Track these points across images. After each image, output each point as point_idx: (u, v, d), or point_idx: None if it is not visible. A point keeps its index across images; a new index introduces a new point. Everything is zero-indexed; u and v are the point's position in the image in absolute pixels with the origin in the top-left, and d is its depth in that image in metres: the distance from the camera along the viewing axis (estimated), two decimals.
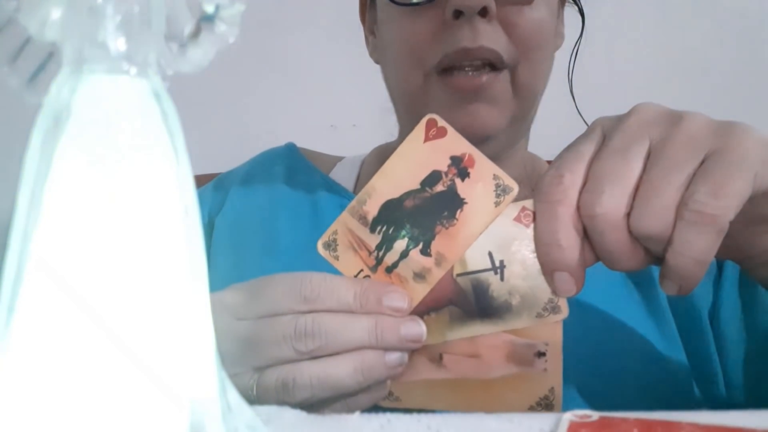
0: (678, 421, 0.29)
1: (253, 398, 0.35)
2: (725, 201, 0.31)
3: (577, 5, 0.60)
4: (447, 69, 0.52)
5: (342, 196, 0.62)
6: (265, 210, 0.61)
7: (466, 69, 0.52)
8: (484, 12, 0.50)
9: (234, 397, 0.24)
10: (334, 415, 0.32)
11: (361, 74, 0.93)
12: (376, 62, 0.64)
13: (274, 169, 0.66)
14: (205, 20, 0.22)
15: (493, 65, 0.52)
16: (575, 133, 0.56)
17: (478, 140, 0.49)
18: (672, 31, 1.10)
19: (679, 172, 0.33)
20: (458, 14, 0.50)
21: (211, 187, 0.66)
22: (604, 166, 0.34)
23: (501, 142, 0.57)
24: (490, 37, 0.51)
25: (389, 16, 0.56)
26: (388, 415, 0.30)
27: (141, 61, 0.22)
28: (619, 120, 0.36)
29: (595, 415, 0.30)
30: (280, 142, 0.71)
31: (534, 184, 0.63)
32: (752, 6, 1.10)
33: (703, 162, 0.33)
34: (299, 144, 0.70)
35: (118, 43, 0.21)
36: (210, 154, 0.87)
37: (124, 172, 0.21)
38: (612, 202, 0.33)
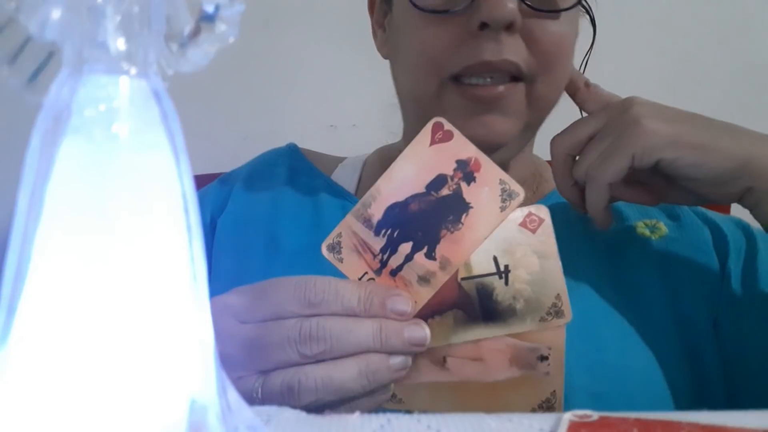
0: (678, 421, 0.29)
1: (258, 402, 0.35)
2: (604, 169, 0.48)
3: (589, 14, 0.60)
4: (464, 76, 0.52)
5: (344, 198, 0.62)
6: (267, 212, 0.61)
7: (486, 77, 0.51)
8: (509, 26, 0.49)
9: (234, 397, 0.24)
10: (334, 415, 0.32)
11: (361, 74, 0.93)
12: (385, 57, 0.62)
13: (275, 171, 0.65)
14: (205, 20, 0.22)
15: (512, 76, 0.52)
16: None
17: (490, 149, 0.49)
18: (674, 34, 1.10)
19: (595, 147, 0.50)
20: (483, 26, 0.49)
21: (214, 188, 0.66)
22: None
23: (511, 150, 0.57)
24: (512, 50, 0.50)
25: (407, 18, 0.54)
26: (388, 415, 0.30)
27: (141, 61, 0.22)
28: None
29: (595, 415, 0.30)
30: (280, 142, 0.71)
31: (537, 186, 0.63)
32: (754, 8, 1.10)
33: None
34: (299, 144, 0.70)
35: (118, 43, 0.21)
36: (210, 154, 0.88)
37: (124, 172, 0.21)
38: (561, 153, 0.52)
